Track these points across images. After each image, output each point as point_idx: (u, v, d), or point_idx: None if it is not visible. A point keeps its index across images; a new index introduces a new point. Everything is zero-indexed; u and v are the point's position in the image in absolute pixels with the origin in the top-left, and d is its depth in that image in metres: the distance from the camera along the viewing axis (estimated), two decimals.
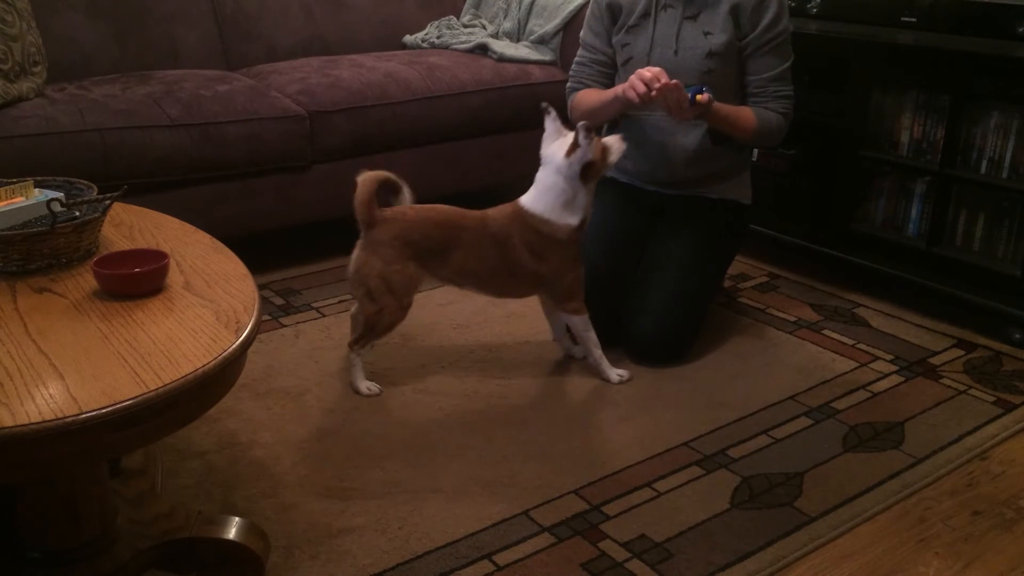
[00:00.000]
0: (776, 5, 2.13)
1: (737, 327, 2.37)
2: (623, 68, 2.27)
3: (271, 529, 1.56)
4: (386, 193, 2.00)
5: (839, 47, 2.52)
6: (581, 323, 2.06)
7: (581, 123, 1.92)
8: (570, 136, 1.96)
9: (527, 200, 2.00)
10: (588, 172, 1.95)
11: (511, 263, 2.00)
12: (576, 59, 2.38)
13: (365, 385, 2.01)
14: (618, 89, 2.11)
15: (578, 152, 1.93)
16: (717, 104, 2.05)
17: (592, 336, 2.07)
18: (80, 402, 1.07)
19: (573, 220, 1.98)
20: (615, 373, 2.08)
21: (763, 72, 2.17)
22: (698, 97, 1.97)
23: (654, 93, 1.97)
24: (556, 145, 1.97)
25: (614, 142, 2.00)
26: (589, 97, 2.27)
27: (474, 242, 1.99)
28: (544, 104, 2.00)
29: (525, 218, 1.99)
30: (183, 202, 2.39)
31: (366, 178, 1.93)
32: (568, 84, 2.38)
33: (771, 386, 2.08)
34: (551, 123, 2.00)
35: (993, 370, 2.18)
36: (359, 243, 1.97)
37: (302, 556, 1.52)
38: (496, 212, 2.02)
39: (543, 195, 1.98)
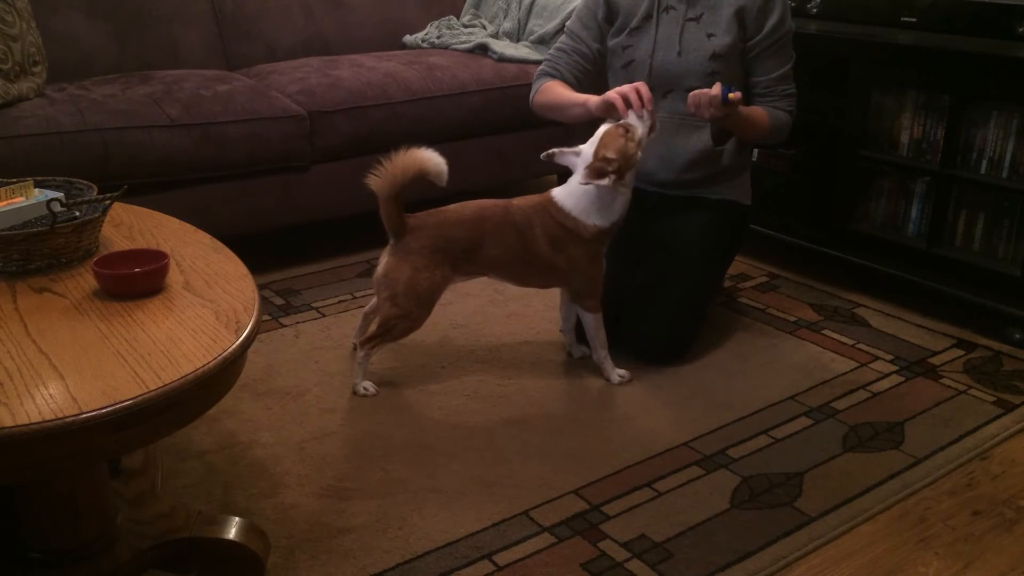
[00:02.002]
0: (780, 6, 2.13)
1: (737, 327, 2.37)
2: (624, 70, 2.26)
3: (271, 529, 1.56)
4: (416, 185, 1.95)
5: (839, 47, 2.52)
6: (593, 321, 2.06)
7: (600, 161, 1.90)
8: (592, 142, 1.95)
9: (560, 195, 2.00)
10: (620, 172, 1.93)
11: (531, 252, 2.01)
12: (557, 45, 2.34)
13: (363, 385, 2.01)
14: (590, 99, 2.07)
15: (603, 181, 1.90)
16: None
17: (602, 336, 2.08)
18: (80, 402, 1.07)
19: (603, 223, 1.98)
20: (616, 373, 2.08)
21: (771, 72, 2.18)
22: (730, 96, 1.97)
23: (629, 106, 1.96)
24: (585, 155, 1.96)
25: (635, 121, 1.96)
26: (557, 92, 2.22)
27: (497, 231, 1.99)
28: (543, 155, 1.98)
29: (552, 212, 1.99)
30: (183, 202, 2.39)
31: (390, 192, 1.89)
32: (541, 67, 2.33)
33: (771, 386, 2.08)
34: (564, 157, 1.98)
35: (993, 370, 2.17)
36: (388, 249, 1.98)
37: (302, 556, 1.52)
38: (521, 201, 2.03)
39: (576, 196, 1.98)
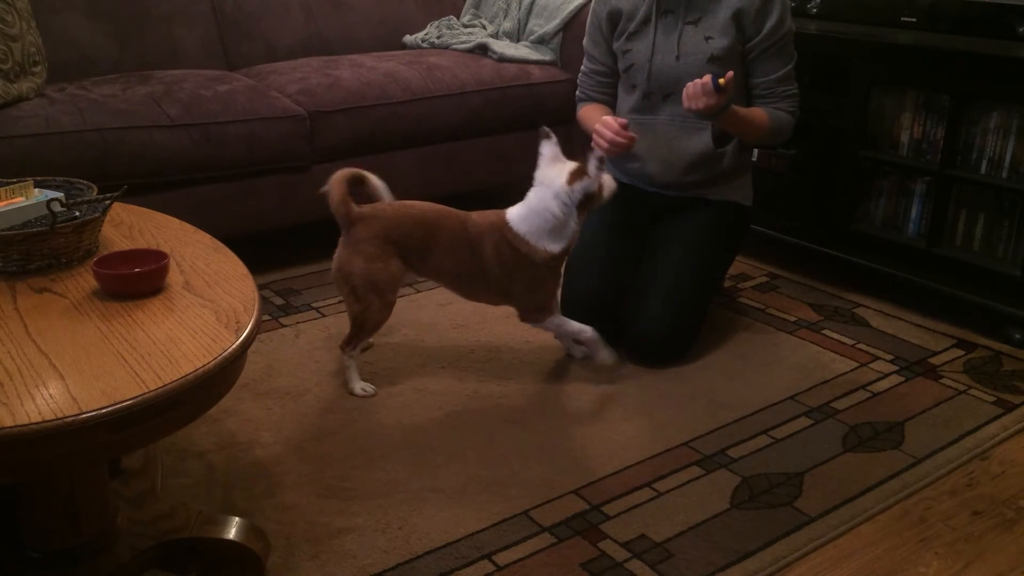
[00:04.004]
0: (779, 7, 2.13)
1: (737, 327, 2.37)
2: (625, 75, 2.27)
3: (271, 529, 1.56)
4: (364, 194, 2.00)
5: (839, 47, 2.52)
6: (551, 323, 2.04)
7: (596, 153, 1.90)
8: (568, 163, 1.94)
9: (513, 217, 1.96)
10: (586, 203, 1.94)
11: (482, 270, 1.99)
12: (582, 67, 2.41)
13: (360, 386, 2.01)
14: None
15: (584, 181, 1.90)
16: (734, 107, 2.06)
17: (571, 326, 2.04)
18: (80, 402, 1.07)
19: (555, 247, 1.96)
20: (604, 353, 2.06)
21: (770, 74, 2.18)
22: (721, 81, 1.96)
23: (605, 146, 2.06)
24: (555, 170, 1.94)
25: (608, 181, 1.99)
26: (591, 115, 2.31)
27: (451, 242, 1.98)
28: (544, 128, 1.97)
29: (506, 233, 1.96)
30: (183, 202, 2.39)
31: (338, 176, 1.93)
32: (577, 91, 2.43)
33: (771, 386, 2.08)
34: (549, 147, 1.96)
35: (993, 370, 2.17)
36: (340, 241, 1.98)
37: (302, 556, 1.52)
38: (479, 217, 2.00)
39: (531, 217, 1.95)
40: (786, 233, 2.71)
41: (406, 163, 2.80)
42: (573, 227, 1.96)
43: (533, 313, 2.05)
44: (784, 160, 2.65)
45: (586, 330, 2.06)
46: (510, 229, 1.96)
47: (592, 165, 1.90)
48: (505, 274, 1.98)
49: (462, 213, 2.02)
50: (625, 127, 2.09)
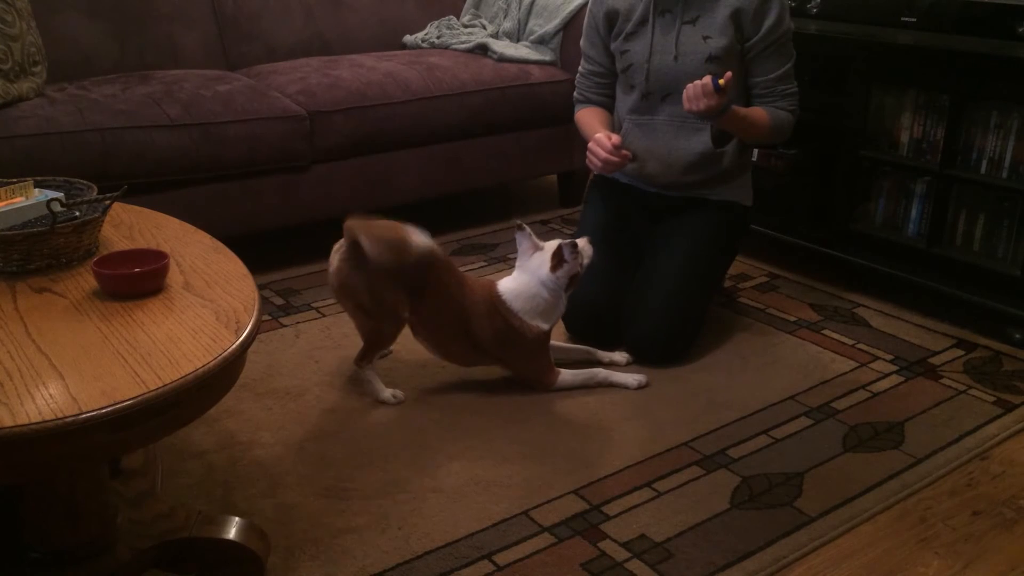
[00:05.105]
0: (778, 6, 2.12)
1: (737, 327, 2.37)
2: (623, 75, 2.27)
3: (271, 529, 1.56)
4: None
5: (839, 47, 2.52)
6: (563, 386, 2.04)
7: (567, 242, 1.92)
8: (548, 249, 1.95)
9: (505, 291, 1.96)
10: (572, 282, 1.97)
11: (473, 336, 1.98)
12: (579, 68, 2.41)
13: (389, 393, 1.99)
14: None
15: (565, 267, 1.93)
16: (734, 107, 2.06)
17: (582, 378, 2.05)
18: (80, 402, 1.07)
19: (545, 325, 1.97)
20: (632, 378, 2.06)
21: (769, 73, 2.17)
22: (720, 81, 1.96)
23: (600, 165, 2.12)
24: (537, 259, 1.96)
25: (584, 245, 2.00)
26: (587, 121, 2.33)
27: (446, 300, 1.96)
28: (518, 221, 1.99)
29: (498, 306, 1.96)
30: (183, 202, 2.39)
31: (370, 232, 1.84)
32: (574, 92, 2.43)
33: (771, 386, 2.08)
34: (525, 239, 1.97)
35: (993, 370, 2.17)
36: (340, 253, 1.92)
37: (302, 556, 1.52)
38: (475, 285, 2.00)
39: (522, 298, 1.96)
40: (786, 233, 2.71)
41: (406, 163, 2.80)
42: (562, 307, 2.00)
43: (536, 383, 2.04)
44: (784, 160, 2.64)
45: (598, 374, 2.07)
46: (503, 303, 1.96)
47: (567, 252, 1.92)
48: (498, 345, 1.98)
49: (461, 275, 2.01)
50: (618, 146, 2.10)
